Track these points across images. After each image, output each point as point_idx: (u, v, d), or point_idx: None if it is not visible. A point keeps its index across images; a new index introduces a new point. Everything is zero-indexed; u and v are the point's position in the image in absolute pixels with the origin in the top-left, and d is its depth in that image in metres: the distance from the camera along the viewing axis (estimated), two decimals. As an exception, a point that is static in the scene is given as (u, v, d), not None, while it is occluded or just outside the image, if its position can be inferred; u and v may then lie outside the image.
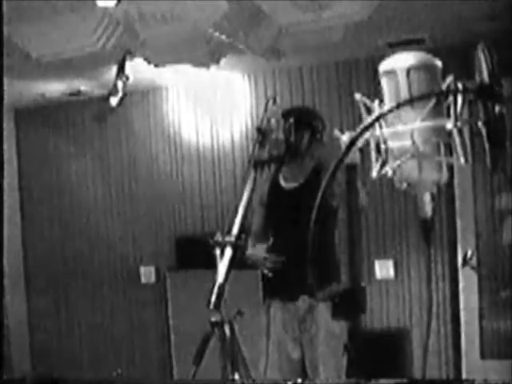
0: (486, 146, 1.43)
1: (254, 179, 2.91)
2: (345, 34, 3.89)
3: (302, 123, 3.54)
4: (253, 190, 2.89)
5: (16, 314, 6.05)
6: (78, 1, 3.59)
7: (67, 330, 6.05)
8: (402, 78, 1.45)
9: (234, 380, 2.84)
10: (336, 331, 3.45)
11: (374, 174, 1.45)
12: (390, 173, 1.45)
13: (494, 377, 4.24)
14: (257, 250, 3.63)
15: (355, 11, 3.61)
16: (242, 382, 2.85)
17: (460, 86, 1.43)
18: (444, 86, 1.46)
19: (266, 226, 3.75)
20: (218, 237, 2.73)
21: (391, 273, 4.98)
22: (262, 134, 3.09)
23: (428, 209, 1.48)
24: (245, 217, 2.81)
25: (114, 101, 4.33)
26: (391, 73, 1.47)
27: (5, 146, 5.68)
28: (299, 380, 3.44)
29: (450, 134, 1.44)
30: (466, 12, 3.88)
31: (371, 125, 1.40)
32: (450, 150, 1.47)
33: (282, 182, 3.70)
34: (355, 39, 4.15)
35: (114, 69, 4.19)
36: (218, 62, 4.21)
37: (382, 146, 1.47)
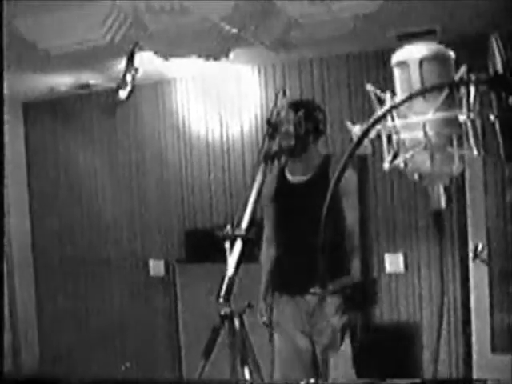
0: (500, 137, 1.41)
1: (264, 172, 2.90)
2: (355, 25, 3.86)
3: (309, 116, 3.53)
4: (263, 183, 2.88)
5: (24, 308, 6.07)
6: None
7: (75, 322, 6.06)
8: (414, 69, 1.43)
9: (244, 380, 2.83)
10: (334, 324, 3.48)
11: (386, 165, 1.43)
12: (401, 164, 1.44)
13: (505, 371, 4.22)
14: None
15: (365, 2, 3.58)
16: (251, 382, 2.83)
17: (473, 76, 1.41)
18: (457, 77, 1.44)
19: (277, 229, 3.74)
20: (228, 230, 2.72)
21: (401, 266, 4.96)
22: (271, 126, 3.08)
23: (441, 200, 1.46)
24: (254, 209, 2.80)
25: (122, 93, 4.33)
26: (404, 64, 1.45)
27: (13, 140, 5.67)
28: (312, 380, 3.45)
29: (462, 125, 1.42)
30: (479, 2, 3.84)
31: (383, 116, 1.38)
32: (462, 141, 1.45)
33: (289, 176, 3.69)
34: (365, 31, 4.12)
35: (123, 61, 4.18)
36: (227, 54, 4.20)
37: (394, 138, 1.45)
